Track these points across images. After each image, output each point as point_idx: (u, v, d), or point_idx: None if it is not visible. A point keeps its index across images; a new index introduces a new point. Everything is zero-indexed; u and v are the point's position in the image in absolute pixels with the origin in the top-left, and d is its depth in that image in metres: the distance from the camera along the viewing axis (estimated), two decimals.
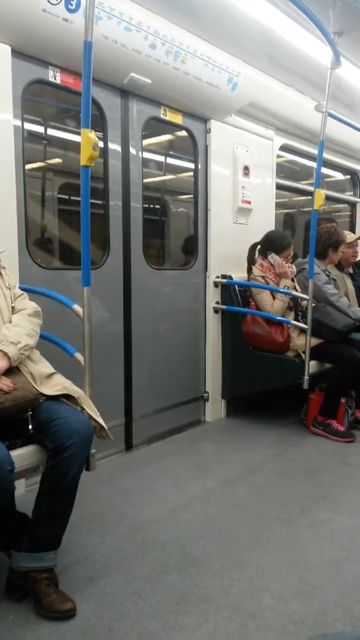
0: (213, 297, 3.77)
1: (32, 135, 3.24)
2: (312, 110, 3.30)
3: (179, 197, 4.56)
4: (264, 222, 4.12)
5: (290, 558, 2.10)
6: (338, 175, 5.77)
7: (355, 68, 3.76)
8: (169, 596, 1.86)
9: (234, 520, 2.40)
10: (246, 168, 3.88)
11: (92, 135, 1.86)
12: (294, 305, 3.61)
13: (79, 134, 1.88)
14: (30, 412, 1.77)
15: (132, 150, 3.18)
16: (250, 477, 2.87)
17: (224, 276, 3.75)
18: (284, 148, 4.43)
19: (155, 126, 3.51)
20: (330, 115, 3.34)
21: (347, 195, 5.89)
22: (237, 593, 1.88)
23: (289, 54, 3.48)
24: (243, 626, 1.71)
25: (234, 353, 3.80)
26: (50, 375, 1.92)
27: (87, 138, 1.85)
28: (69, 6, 2.41)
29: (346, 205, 6.04)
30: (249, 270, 3.70)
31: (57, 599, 1.75)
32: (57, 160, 3.98)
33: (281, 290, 3.51)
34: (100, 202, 3.06)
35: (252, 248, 3.75)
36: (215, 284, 3.77)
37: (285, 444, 3.39)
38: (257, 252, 3.76)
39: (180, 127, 3.56)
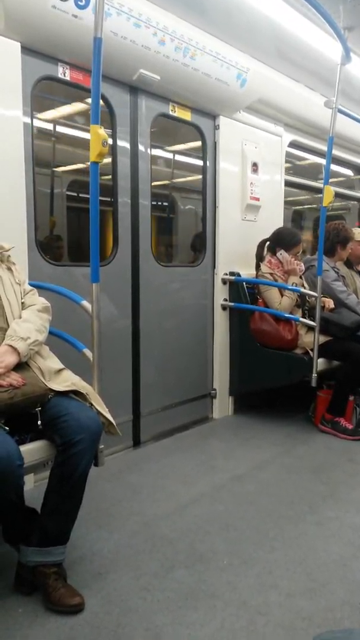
0: (221, 294, 3.77)
1: (41, 132, 3.24)
2: (322, 106, 3.28)
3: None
4: (273, 219, 4.11)
5: (298, 555, 2.10)
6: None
7: None
8: (177, 592, 1.86)
9: (241, 517, 2.40)
10: (255, 165, 3.87)
11: (102, 131, 1.86)
12: (302, 302, 3.60)
13: (87, 130, 1.89)
14: (40, 408, 1.78)
15: (141, 147, 3.17)
16: (258, 474, 2.87)
17: (232, 273, 3.75)
18: (293, 144, 4.41)
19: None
20: (340, 111, 3.31)
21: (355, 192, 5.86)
22: (244, 589, 1.88)
23: (299, 49, 3.46)
24: (251, 622, 1.72)
25: (242, 350, 3.79)
26: (59, 370, 1.93)
27: (96, 134, 1.85)
28: (79, 2, 2.41)
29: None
30: (257, 267, 3.69)
31: (66, 593, 1.76)
32: (67, 157, 4.00)
33: (289, 287, 3.50)
34: (108, 198, 3.06)
35: (261, 245, 3.73)
36: (224, 281, 3.76)
37: (293, 442, 3.38)
38: (266, 249, 3.74)
39: (189, 124, 3.55)
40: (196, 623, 1.71)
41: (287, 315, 3.47)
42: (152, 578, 1.94)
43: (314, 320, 3.34)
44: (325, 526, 2.33)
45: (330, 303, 3.56)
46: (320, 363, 3.38)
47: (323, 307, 3.49)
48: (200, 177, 3.71)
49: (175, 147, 4.37)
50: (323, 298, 3.47)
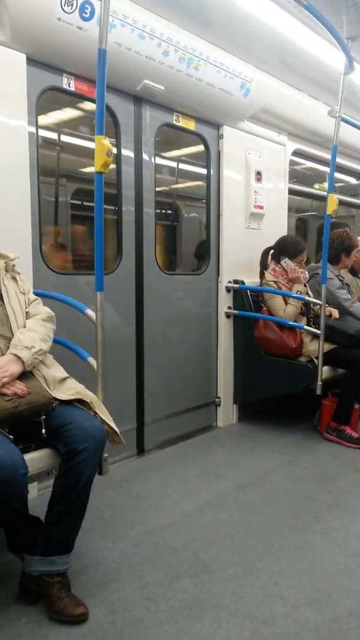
0: (225, 302, 3.77)
1: (46, 142, 3.26)
2: (325, 115, 3.29)
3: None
4: (277, 227, 4.12)
5: (303, 565, 2.09)
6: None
7: None
8: (182, 602, 1.85)
9: (246, 526, 2.39)
10: (259, 173, 3.88)
11: (106, 141, 1.88)
12: (306, 310, 3.60)
13: (92, 140, 1.90)
14: (44, 416, 1.78)
15: (145, 157, 3.19)
16: (263, 483, 2.86)
17: (236, 281, 3.75)
18: (296, 153, 4.43)
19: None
20: (344, 120, 3.33)
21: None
22: (249, 600, 1.87)
23: (302, 59, 3.47)
24: (256, 633, 1.70)
25: (246, 358, 3.79)
26: (64, 379, 1.93)
27: (101, 144, 1.87)
28: (84, 14, 2.44)
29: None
30: (262, 275, 3.69)
31: (70, 603, 1.75)
32: (71, 166, 4.02)
33: (293, 295, 3.50)
34: (112, 207, 3.08)
35: (265, 253, 3.74)
36: (227, 289, 3.77)
37: (298, 450, 3.37)
38: (270, 257, 3.75)
39: (193, 133, 3.57)
40: (201, 634, 1.70)
41: (291, 323, 3.47)
42: (156, 588, 1.93)
43: (318, 328, 3.33)
44: (330, 536, 2.32)
45: (336, 313, 3.55)
46: (325, 371, 3.37)
47: (330, 316, 3.49)
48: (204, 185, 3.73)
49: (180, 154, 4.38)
50: (329, 308, 3.47)
